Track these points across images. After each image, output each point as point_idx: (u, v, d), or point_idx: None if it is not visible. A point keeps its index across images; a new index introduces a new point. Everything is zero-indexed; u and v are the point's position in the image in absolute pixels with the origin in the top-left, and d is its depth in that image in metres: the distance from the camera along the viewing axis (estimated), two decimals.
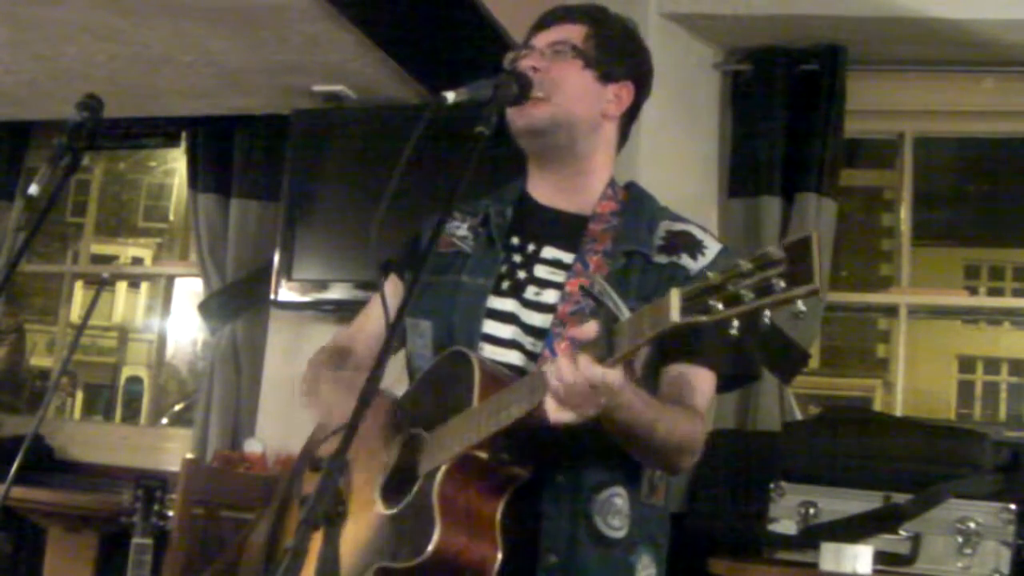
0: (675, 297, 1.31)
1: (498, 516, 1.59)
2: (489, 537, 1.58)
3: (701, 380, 1.72)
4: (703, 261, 1.75)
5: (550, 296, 1.75)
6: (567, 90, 1.78)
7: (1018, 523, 2.69)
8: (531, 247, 1.82)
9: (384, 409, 1.78)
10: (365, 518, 1.68)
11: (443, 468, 1.57)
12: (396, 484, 1.67)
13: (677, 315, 1.30)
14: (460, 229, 1.87)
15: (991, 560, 2.67)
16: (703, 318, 1.27)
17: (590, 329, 1.42)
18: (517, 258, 1.81)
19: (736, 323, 1.25)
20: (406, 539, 1.58)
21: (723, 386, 1.79)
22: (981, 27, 3.40)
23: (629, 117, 1.88)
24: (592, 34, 1.82)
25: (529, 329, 1.74)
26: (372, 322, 1.94)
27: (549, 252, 1.80)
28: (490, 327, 1.75)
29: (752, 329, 1.25)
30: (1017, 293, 9.98)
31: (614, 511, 1.69)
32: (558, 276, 1.77)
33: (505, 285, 1.78)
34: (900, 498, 2.78)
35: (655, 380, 1.71)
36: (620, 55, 1.84)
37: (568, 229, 1.81)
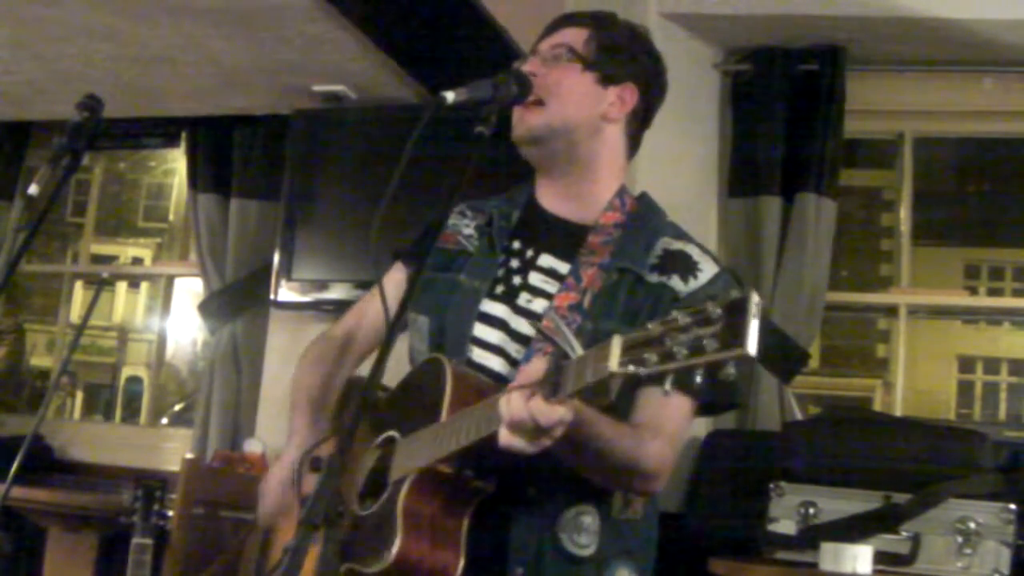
0: (616, 345, 1.28)
1: (464, 526, 1.60)
2: (452, 545, 1.59)
3: (674, 405, 1.68)
4: (694, 284, 1.72)
5: (540, 305, 1.74)
6: (564, 93, 1.77)
7: (1018, 523, 2.68)
8: (529, 252, 1.81)
9: (375, 405, 1.78)
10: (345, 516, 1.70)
11: (409, 479, 1.58)
12: (373, 485, 1.69)
13: (615, 364, 1.27)
14: (467, 228, 1.87)
15: (991, 560, 2.67)
16: (638, 370, 1.25)
17: (537, 368, 1.42)
18: (515, 263, 1.81)
19: (669, 379, 1.23)
20: (372, 545, 1.60)
21: (701, 412, 1.76)
22: (981, 27, 3.40)
23: (639, 122, 1.85)
24: (593, 37, 1.81)
25: (516, 336, 1.74)
26: (375, 312, 1.93)
27: (546, 260, 1.79)
28: (479, 330, 1.76)
29: (686, 385, 1.22)
30: (1017, 293, 9.96)
31: (581, 529, 1.68)
32: (551, 286, 1.76)
33: (499, 289, 1.78)
34: (900, 498, 2.78)
35: (630, 399, 1.68)
36: (622, 57, 1.82)
37: (568, 238, 1.79)
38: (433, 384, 1.64)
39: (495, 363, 1.73)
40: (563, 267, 1.77)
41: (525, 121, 1.77)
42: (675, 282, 1.72)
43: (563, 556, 1.67)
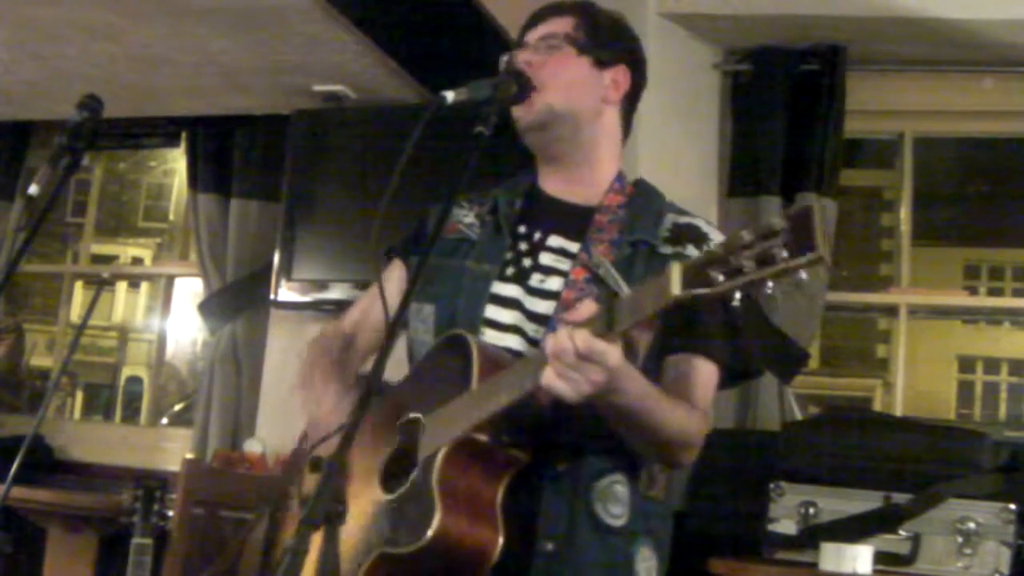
0: (676, 271, 1.29)
1: (499, 499, 1.59)
2: (490, 521, 1.57)
3: (703, 372, 1.72)
4: None
5: (554, 283, 1.76)
6: (564, 79, 1.79)
7: (1018, 523, 2.68)
8: (537, 235, 1.83)
9: (382, 395, 1.78)
10: (365, 503, 1.68)
11: (443, 451, 1.57)
12: (395, 469, 1.67)
13: (678, 288, 1.28)
14: (467, 216, 1.88)
15: (991, 560, 2.67)
16: (704, 291, 1.25)
17: (587, 308, 1.42)
18: (523, 246, 1.82)
19: (738, 295, 1.23)
20: (406, 524, 1.58)
21: (723, 382, 1.79)
22: (981, 27, 3.39)
23: (630, 105, 1.89)
24: (581, 23, 1.84)
25: (532, 315, 1.75)
26: (376, 312, 1.92)
27: (555, 240, 1.81)
28: (492, 312, 1.76)
29: (754, 302, 1.23)
30: (1017, 293, 9.96)
31: (614, 499, 1.69)
32: (563, 264, 1.77)
33: (510, 272, 1.79)
34: (900, 498, 2.78)
35: (658, 371, 1.71)
36: (611, 41, 1.85)
37: (575, 219, 1.82)
38: (456, 359, 1.63)
39: (512, 342, 1.73)
40: (573, 246, 1.79)
41: (529, 107, 1.78)
42: (690, 251, 1.74)
43: (596, 526, 1.67)
